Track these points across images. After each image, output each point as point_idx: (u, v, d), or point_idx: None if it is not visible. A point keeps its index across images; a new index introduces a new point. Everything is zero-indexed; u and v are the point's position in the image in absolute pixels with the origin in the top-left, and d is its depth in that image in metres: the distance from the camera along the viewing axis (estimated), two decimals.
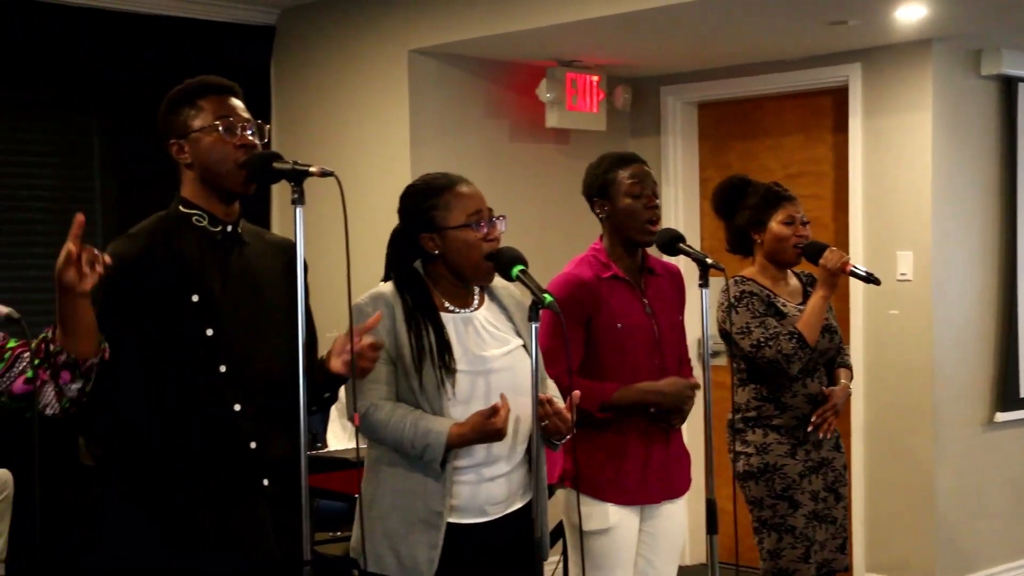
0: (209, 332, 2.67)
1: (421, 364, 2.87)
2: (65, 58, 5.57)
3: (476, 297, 3.03)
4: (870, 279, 3.95)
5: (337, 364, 2.69)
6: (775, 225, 3.96)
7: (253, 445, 2.71)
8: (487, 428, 2.79)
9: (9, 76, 5.46)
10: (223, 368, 2.68)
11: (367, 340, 2.68)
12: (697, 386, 3.47)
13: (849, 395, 4.04)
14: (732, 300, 3.91)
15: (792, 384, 3.92)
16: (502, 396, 2.81)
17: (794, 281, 4.07)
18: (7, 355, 2.36)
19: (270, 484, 2.73)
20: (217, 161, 2.71)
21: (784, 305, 3.95)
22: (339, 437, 5.15)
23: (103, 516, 2.77)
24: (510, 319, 3.06)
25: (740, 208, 4.03)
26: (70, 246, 2.33)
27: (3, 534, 5.29)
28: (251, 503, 2.71)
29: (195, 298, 2.67)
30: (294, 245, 2.86)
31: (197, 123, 2.72)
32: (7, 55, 5.42)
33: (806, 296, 4.02)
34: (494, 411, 2.78)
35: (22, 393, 2.36)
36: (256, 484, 2.72)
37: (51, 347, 2.36)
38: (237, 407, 2.69)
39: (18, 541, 5.30)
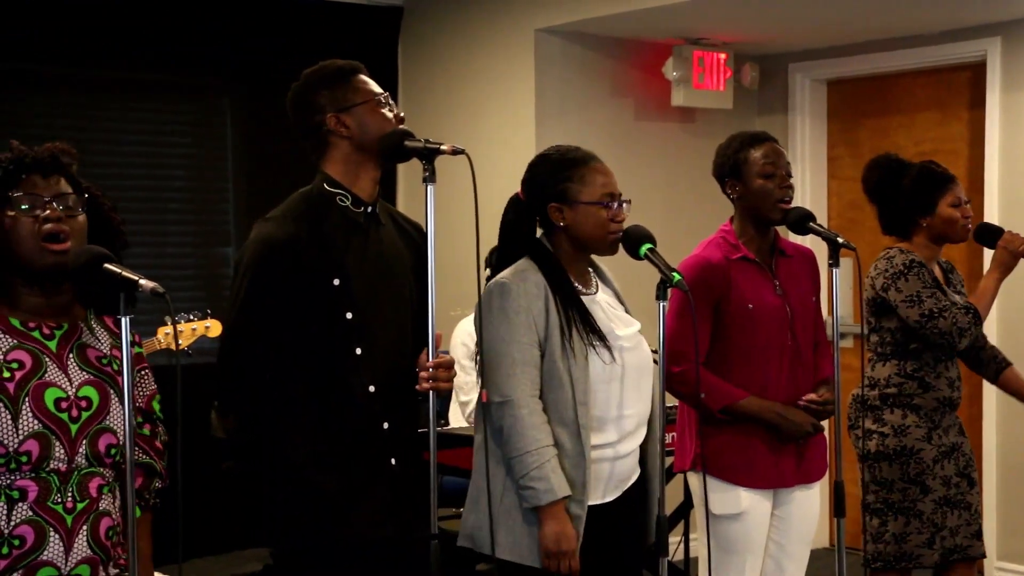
0: (348, 316, 2.72)
1: (571, 333, 2.86)
2: (199, 40, 5.70)
3: (593, 279, 3.03)
4: None
5: (420, 384, 2.72)
6: (945, 208, 3.88)
7: (386, 425, 2.75)
8: (566, 546, 2.79)
9: (147, 58, 5.62)
10: (359, 351, 2.72)
11: (443, 359, 2.71)
12: (820, 428, 3.43)
13: None
14: (901, 267, 3.81)
15: (936, 364, 3.83)
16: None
17: (936, 268, 3.98)
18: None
19: (397, 463, 2.77)
20: (381, 131, 2.77)
21: (943, 285, 3.88)
22: (459, 416, 5.19)
23: (240, 489, 2.84)
24: (620, 301, 3.07)
25: (897, 189, 3.93)
26: None
27: None
28: (380, 482, 2.75)
29: (336, 282, 2.72)
30: (419, 225, 2.90)
31: (357, 97, 2.80)
32: (145, 38, 5.57)
33: (947, 283, 3.95)
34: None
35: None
36: (385, 463, 2.76)
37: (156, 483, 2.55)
38: (372, 388, 2.73)
39: (156, 512, 5.48)
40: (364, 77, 2.86)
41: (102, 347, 2.39)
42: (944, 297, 3.79)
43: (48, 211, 2.30)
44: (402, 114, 2.84)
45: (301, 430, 2.71)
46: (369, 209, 2.82)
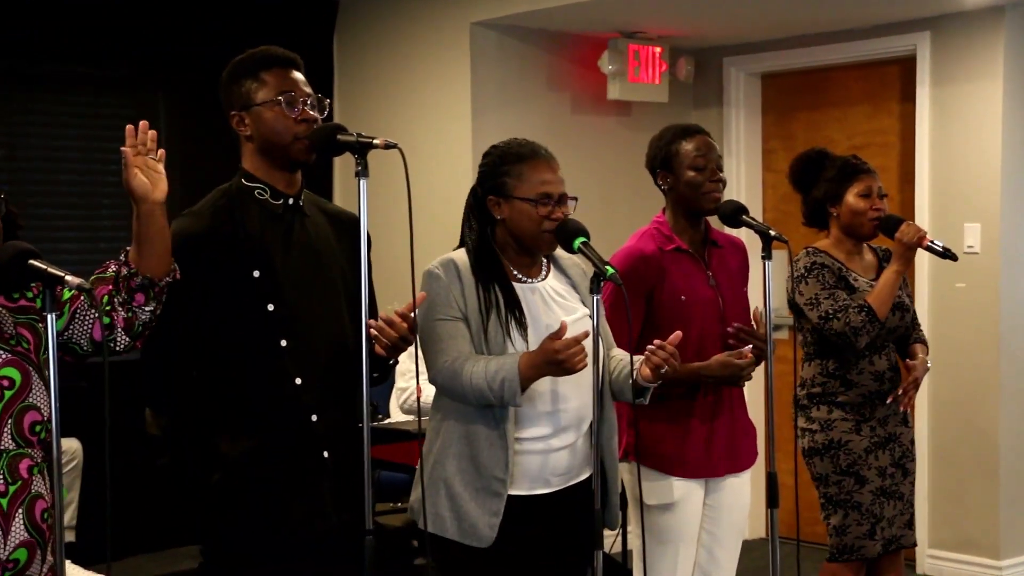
0: (270, 308, 2.69)
1: (487, 318, 2.88)
2: (133, 34, 5.64)
3: (543, 267, 3.04)
4: (947, 254, 3.89)
5: (377, 348, 2.69)
6: (851, 198, 3.91)
7: (314, 418, 2.73)
8: (553, 356, 2.74)
9: (80, 51, 5.55)
10: (284, 343, 2.70)
11: (402, 311, 2.67)
12: (751, 363, 3.41)
13: (928, 369, 3.98)
14: (803, 271, 3.87)
15: (859, 360, 3.87)
16: (562, 323, 2.80)
17: (869, 256, 4.02)
18: (66, 308, 2.40)
19: (330, 456, 2.75)
20: (277, 133, 2.73)
21: (856, 279, 3.91)
22: (396, 409, 5.18)
23: (173, 486, 2.81)
24: (576, 289, 3.07)
25: (818, 180, 3.98)
26: (123, 148, 2.36)
27: (73, 502, 5.41)
28: (312, 475, 2.73)
29: (256, 274, 2.69)
30: (353, 217, 2.87)
31: (259, 96, 2.74)
32: (78, 32, 5.50)
33: (881, 271, 3.98)
34: (557, 335, 2.75)
35: (100, 340, 2.41)
36: (317, 456, 2.74)
37: (123, 270, 2.40)
38: (298, 381, 2.71)
39: (87, 509, 5.42)
40: (279, 71, 2.76)
41: (9, 327, 2.37)
42: (844, 297, 3.82)
43: None
44: (314, 114, 2.75)
45: (229, 424, 2.69)
46: (290, 201, 2.79)
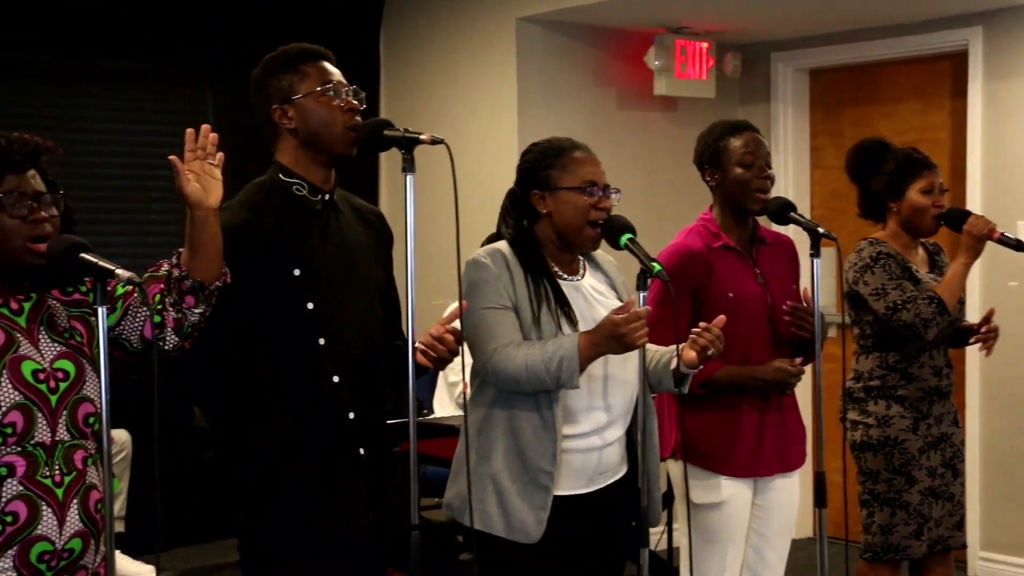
0: (310, 306, 2.70)
1: (539, 312, 2.86)
2: (182, 29, 5.68)
3: (581, 265, 3.03)
4: (1020, 246, 3.85)
5: (420, 358, 2.69)
6: (914, 194, 3.86)
7: (352, 415, 2.74)
8: (615, 330, 2.71)
9: (129, 47, 5.60)
10: (322, 341, 2.71)
11: (451, 326, 2.68)
12: (802, 372, 3.41)
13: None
14: (868, 260, 3.82)
15: (919, 354, 3.83)
16: (629, 299, 2.76)
17: (922, 251, 3.98)
18: (119, 304, 2.42)
19: (366, 453, 2.76)
20: (325, 124, 2.73)
21: (918, 271, 3.87)
22: (445, 404, 5.19)
23: (217, 479, 2.83)
24: (613, 288, 3.05)
25: (877, 173, 3.93)
26: (171, 157, 2.36)
27: (122, 493, 5.46)
28: (348, 473, 2.74)
29: (297, 272, 2.70)
30: (377, 211, 2.89)
31: (303, 88, 2.74)
32: (128, 27, 5.55)
33: (932, 266, 3.94)
34: (621, 311, 2.73)
35: (151, 338, 2.42)
36: (354, 453, 2.75)
37: (175, 272, 2.41)
38: (336, 379, 2.72)
39: (136, 500, 5.47)
40: (320, 64, 2.77)
41: (63, 320, 2.39)
42: (911, 288, 3.78)
43: (36, 213, 2.29)
44: (358, 104, 2.76)
45: (267, 421, 2.70)
46: (326, 197, 2.79)
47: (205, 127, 2.43)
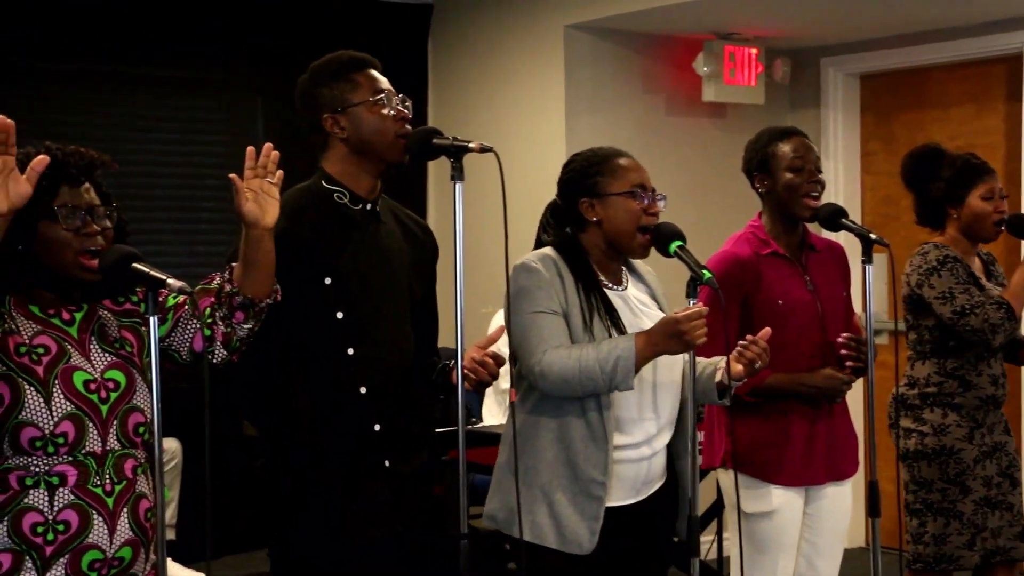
0: (339, 315, 2.70)
1: (591, 321, 2.84)
2: (232, 37, 5.72)
3: (624, 276, 3.01)
4: None
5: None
6: (975, 200, 3.81)
7: (377, 427, 2.74)
8: (675, 327, 2.69)
9: (179, 54, 5.65)
10: (351, 351, 2.71)
11: (490, 350, 2.68)
12: (852, 380, 3.38)
13: None
14: (934, 263, 3.76)
15: (978, 362, 3.78)
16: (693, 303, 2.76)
17: (977, 260, 3.92)
18: (169, 315, 2.43)
19: (391, 465, 2.76)
20: (377, 132, 2.74)
21: (979, 278, 3.81)
22: (494, 413, 5.18)
23: (263, 487, 2.85)
24: (654, 298, 3.04)
25: (934, 179, 3.88)
26: (232, 176, 2.37)
27: (173, 501, 5.51)
28: (371, 483, 2.74)
29: (328, 281, 2.70)
30: (424, 224, 2.89)
31: (355, 97, 2.75)
32: (178, 34, 5.60)
33: (988, 275, 3.89)
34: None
35: (201, 351, 2.43)
36: (378, 465, 2.75)
37: (227, 286, 2.42)
38: (363, 389, 2.73)
39: (186, 508, 5.51)
40: (370, 73, 2.78)
41: (114, 330, 2.41)
42: (978, 293, 3.73)
43: (89, 226, 2.31)
44: (407, 112, 2.78)
45: (298, 428, 2.71)
46: (368, 207, 2.79)
47: (267, 145, 2.42)
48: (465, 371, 2.65)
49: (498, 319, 4.88)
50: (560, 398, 2.82)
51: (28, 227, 2.26)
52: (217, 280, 2.45)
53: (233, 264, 2.45)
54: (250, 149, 2.42)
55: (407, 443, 2.77)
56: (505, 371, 4.73)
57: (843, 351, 3.33)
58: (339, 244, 2.74)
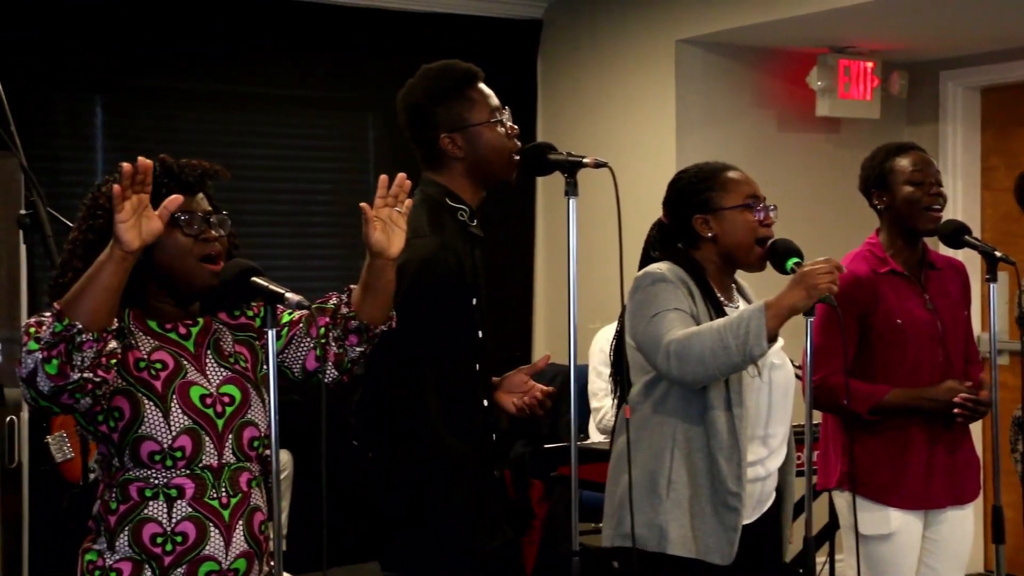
0: (480, 334, 2.73)
1: None
2: (343, 56, 5.80)
3: (735, 293, 2.98)
4: None
5: (508, 402, 2.70)
6: None
7: (494, 437, 2.79)
8: (805, 277, 2.62)
9: (294, 74, 5.74)
10: (478, 367, 2.74)
11: (544, 389, 2.71)
12: (974, 398, 3.27)
13: None
14: None
15: None
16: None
17: None
18: (284, 331, 2.45)
19: (499, 475, 2.81)
20: (495, 151, 2.75)
21: None
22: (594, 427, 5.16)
23: (373, 498, 2.87)
24: None
25: None
26: (362, 205, 2.35)
27: (284, 512, 5.58)
28: (491, 492, 2.77)
29: (474, 301, 2.73)
30: (481, 236, 2.84)
31: (473, 116, 2.75)
32: (292, 54, 5.70)
33: None
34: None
35: (313, 369, 2.45)
36: (490, 474, 2.79)
37: (344, 309, 2.43)
38: (485, 402, 2.76)
39: (297, 520, 5.57)
40: (481, 88, 2.78)
41: (228, 345, 2.44)
42: None
43: (207, 233, 2.34)
44: (515, 126, 2.78)
45: (422, 443, 2.72)
46: (476, 223, 2.81)
47: (400, 175, 2.39)
48: (520, 405, 2.69)
49: (604, 334, 4.86)
50: (691, 411, 2.78)
51: None
52: (334, 300, 2.46)
53: (352, 287, 2.46)
54: (383, 177, 2.40)
55: (514, 454, 2.82)
56: (595, 390, 4.73)
57: (957, 410, 3.24)
58: (473, 264, 2.76)
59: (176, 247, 2.32)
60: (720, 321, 2.68)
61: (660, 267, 2.85)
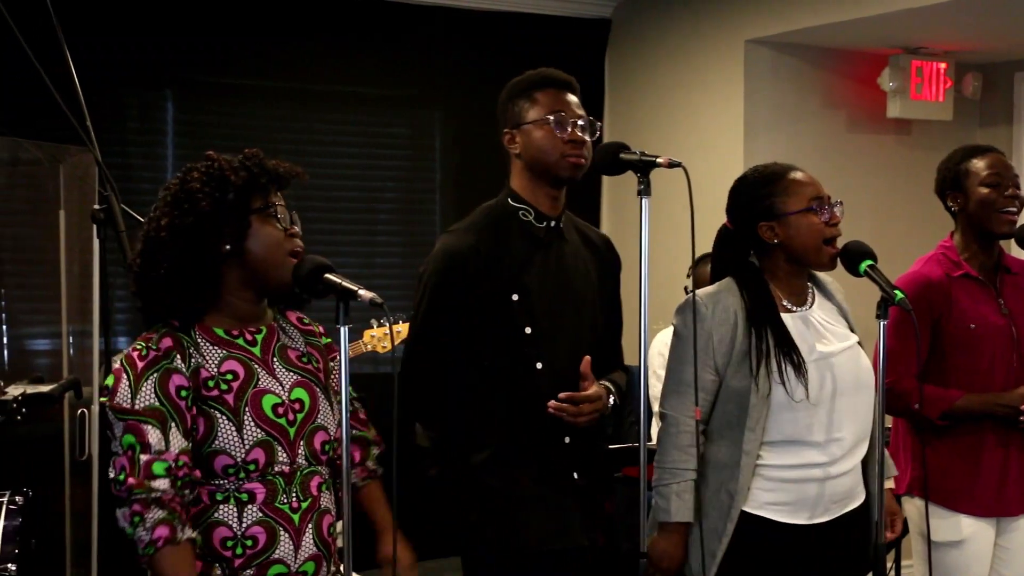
0: (528, 330, 2.72)
1: (758, 367, 2.77)
2: (411, 54, 5.83)
3: (810, 294, 2.93)
4: None
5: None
6: None
7: (567, 440, 2.74)
8: (667, 564, 2.74)
9: (362, 72, 5.78)
10: (539, 365, 2.73)
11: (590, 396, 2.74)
12: None
13: None
14: None
15: None
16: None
17: None
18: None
19: (579, 477, 2.76)
20: (544, 152, 2.75)
21: None
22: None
23: (436, 496, 2.88)
24: (840, 313, 2.95)
25: None
26: None
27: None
28: (563, 496, 2.76)
29: (515, 297, 2.73)
30: (604, 237, 2.91)
31: (530, 115, 2.78)
32: (360, 53, 5.73)
33: None
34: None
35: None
36: (568, 477, 2.75)
37: (374, 450, 2.63)
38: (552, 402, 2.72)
39: (358, 518, 5.60)
40: (554, 92, 2.80)
41: (297, 345, 2.45)
42: None
43: (292, 228, 2.36)
44: (584, 137, 2.77)
45: (484, 442, 2.74)
46: (552, 224, 2.80)
47: None
48: (575, 412, 2.70)
49: (662, 337, 4.83)
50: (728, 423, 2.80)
51: (242, 222, 2.32)
52: (373, 442, 2.61)
53: (380, 449, 2.60)
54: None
55: (595, 457, 2.78)
56: (655, 392, 4.70)
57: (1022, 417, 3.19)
58: (525, 261, 2.77)
59: (271, 238, 2.34)
60: (669, 468, 2.75)
61: (702, 293, 2.84)
